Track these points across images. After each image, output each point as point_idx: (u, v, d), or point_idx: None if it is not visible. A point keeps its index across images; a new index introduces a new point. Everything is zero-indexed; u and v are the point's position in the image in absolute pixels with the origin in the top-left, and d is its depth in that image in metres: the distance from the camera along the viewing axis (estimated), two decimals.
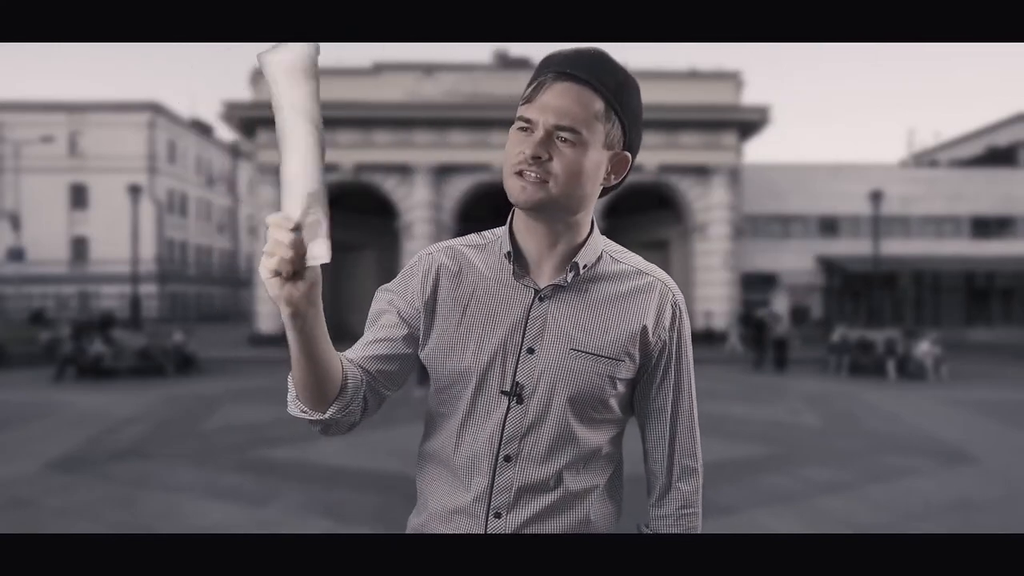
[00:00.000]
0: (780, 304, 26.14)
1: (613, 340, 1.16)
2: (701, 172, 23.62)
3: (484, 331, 1.17)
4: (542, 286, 1.18)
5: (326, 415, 1.13)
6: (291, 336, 1.04)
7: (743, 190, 24.76)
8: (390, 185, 23.43)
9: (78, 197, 40.19)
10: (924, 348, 15.11)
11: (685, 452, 1.24)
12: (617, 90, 1.12)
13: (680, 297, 1.24)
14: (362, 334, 1.26)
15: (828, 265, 27.34)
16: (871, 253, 22.91)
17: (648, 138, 23.60)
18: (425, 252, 1.26)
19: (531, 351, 1.16)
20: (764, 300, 25.17)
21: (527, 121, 1.10)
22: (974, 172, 30.93)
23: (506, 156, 1.13)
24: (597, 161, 1.12)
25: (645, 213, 25.09)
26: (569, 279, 1.17)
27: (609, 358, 1.16)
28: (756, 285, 26.35)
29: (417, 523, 1.25)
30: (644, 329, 1.18)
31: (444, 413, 1.22)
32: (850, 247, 27.03)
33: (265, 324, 23.21)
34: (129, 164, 39.58)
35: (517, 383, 1.15)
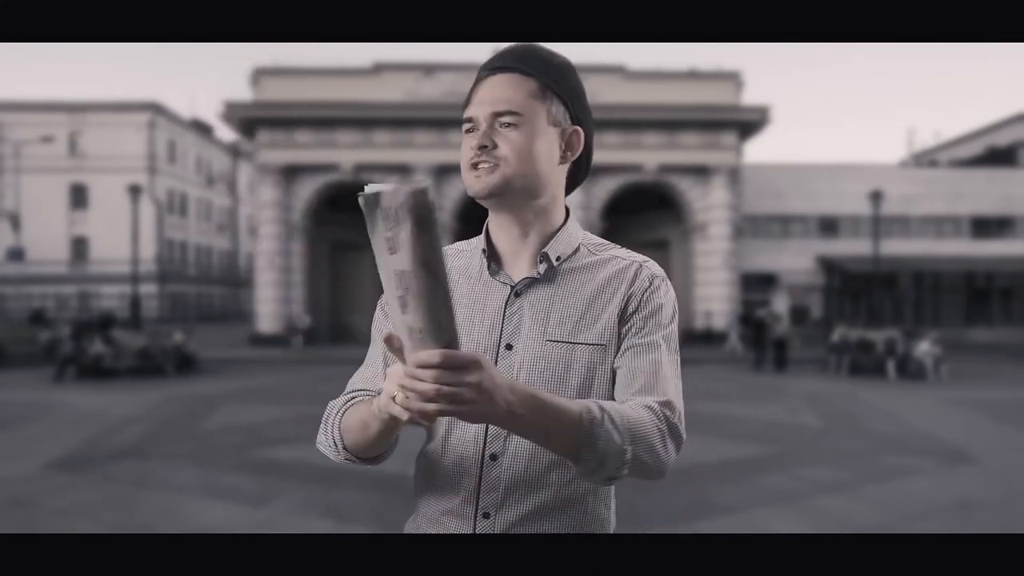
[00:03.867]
0: (780, 304, 26.15)
1: (591, 327, 1.15)
2: (701, 172, 23.63)
3: (464, 332, 1.16)
4: (517, 281, 1.18)
5: (375, 462, 1.19)
6: (378, 427, 1.05)
7: (743, 190, 24.76)
8: None
9: (78, 197, 40.19)
10: (924, 348, 15.11)
11: (663, 402, 1.10)
12: (546, 69, 1.15)
13: (657, 271, 1.19)
14: (361, 334, 1.27)
15: (828, 265, 27.34)
16: (871, 253, 22.91)
17: (648, 138, 23.66)
18: None
19: (509, 347, 1.15)
20: (764, 300, 25.17)
21: (469, 120, 1.15)
22: (974, 172, 30.92)
23: (461, 160, 1.16)
24: (546, 139, 1.14)
25: (645, 213, 25.11)
26: (542, 271, 1.17)
27: (588, 345, 1.14)
28: (756, 285, 26.36)
29: (412, 527, 1.25)
30: (621, 308, 1.15)
31: None
32: (850, 247, 27.04)
33: (265, 324, 23.20)
34: (129, 164, 39.58)
35: None
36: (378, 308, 1.29)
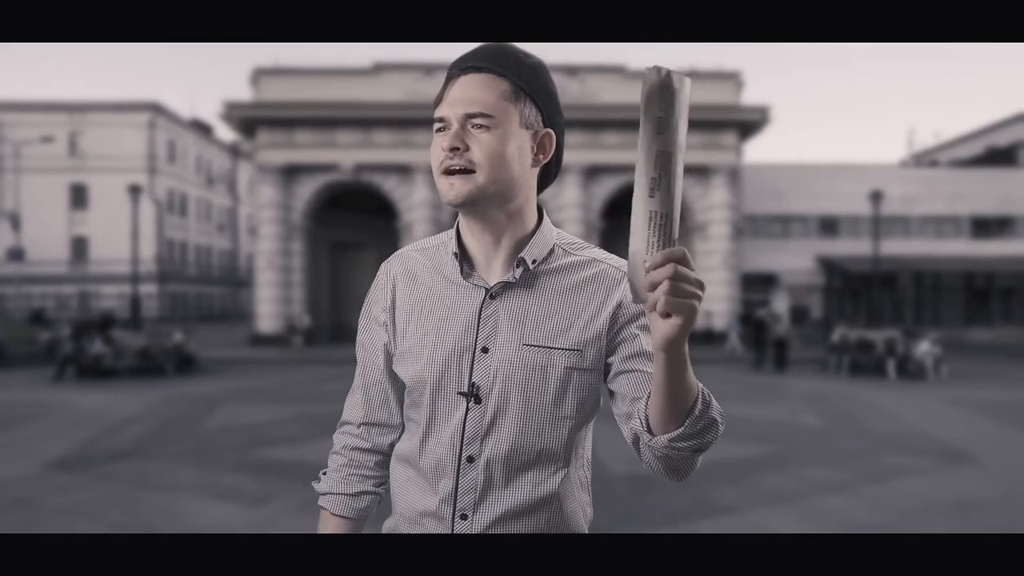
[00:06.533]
0: (780, 304, 26.13)
1: (568, 331, 1.14)
2: (701, 172, 23.62)
3: (438, 334, 1.16)
4: (492, 284, 1.16)
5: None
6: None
7: (743, 190, 24.76)
8: (390, 185, 23.43)
9: (78, 197, 40.17)
10: (924, 348, 15.11)
11: None
12: (520, 70, 1.13)
13: None
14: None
15: (828, 265, 27.34)
16: (871, 253, 22.91)
17: None
18: (384, 263, 1.28)
19: (485, 350, 1.14)
20: (764, 300, 25.17)
21: (441, 120, 1.12)
22: (974, 172, 30.92)
23: (432, 162, 1.14)
24: (518, 142, 1.12)
25: None
26: (517, 275, 1.15)
27: (566, 350, 1.13)
28: (756, 285, 26.35)
29: (389, 526, 1.26)
30: (608, 315, 1.15)
31: (412, 418, 1.22)
32: (850, 247, 27.03)
33: (265, 324, 23.19)
34: (129, 164, 39.57)
35: (474, 384, 1.14)
36: (364, 316, 1.28)
